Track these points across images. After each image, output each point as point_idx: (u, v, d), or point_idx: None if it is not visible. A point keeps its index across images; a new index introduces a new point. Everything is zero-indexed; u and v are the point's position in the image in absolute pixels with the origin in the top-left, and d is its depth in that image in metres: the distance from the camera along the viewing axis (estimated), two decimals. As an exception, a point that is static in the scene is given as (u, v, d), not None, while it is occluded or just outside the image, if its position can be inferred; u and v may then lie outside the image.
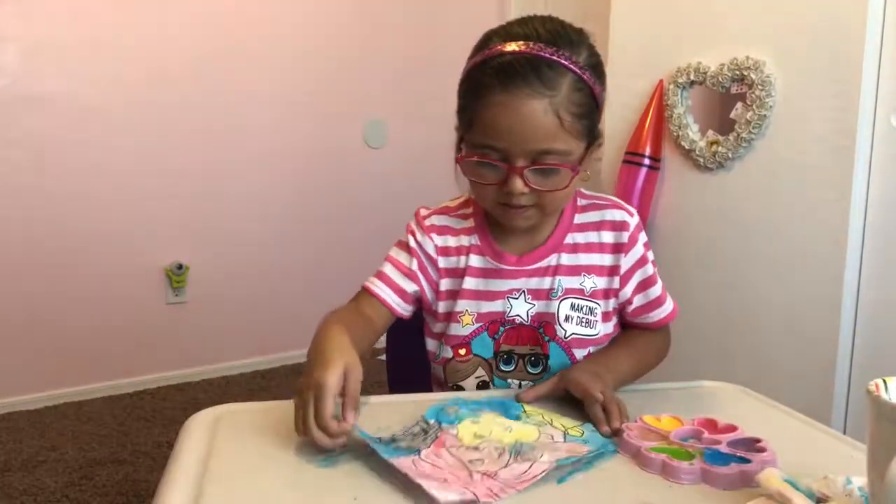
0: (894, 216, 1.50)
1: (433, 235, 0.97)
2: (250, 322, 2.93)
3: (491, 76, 0.83)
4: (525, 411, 0.82)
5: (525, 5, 3.14)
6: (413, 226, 0.99)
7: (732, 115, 1.75)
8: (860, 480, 0.59)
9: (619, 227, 0.95)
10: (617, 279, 0.95)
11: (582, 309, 0.94)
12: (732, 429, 0.75)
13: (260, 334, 2.95)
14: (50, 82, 2.47)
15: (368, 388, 0.79)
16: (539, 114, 0.82)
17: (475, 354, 0.96)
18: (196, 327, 2.82)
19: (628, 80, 1.98)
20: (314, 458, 0.69)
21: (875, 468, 0.52)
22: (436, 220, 0.99)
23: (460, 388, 0.97)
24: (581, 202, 0.98)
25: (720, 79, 1.76)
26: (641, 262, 0.96)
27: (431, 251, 0.97)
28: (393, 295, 0.95)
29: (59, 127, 2.50)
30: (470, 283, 0.95)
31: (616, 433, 0.76)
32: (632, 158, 1.94)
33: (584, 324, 0.94)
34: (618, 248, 0.95)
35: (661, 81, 1.92)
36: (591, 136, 0.88)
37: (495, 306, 0.95)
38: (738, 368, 1.75)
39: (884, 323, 1.52)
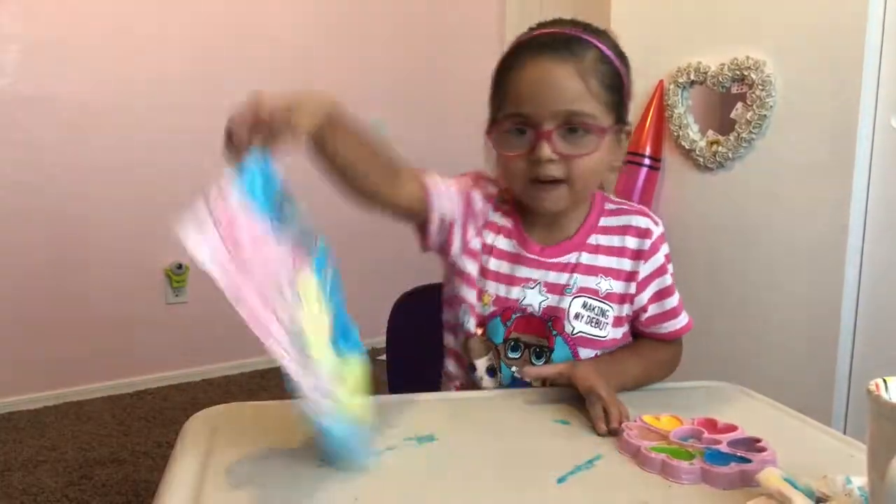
0: (894, 216, 1.50)
1: (484, 201, 0.99)
2: (250, 322, 2.92)
3: (521, 53, 0.90)
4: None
5: (522, 7, 3.14)
6: (475, 178, 1.00)
7: (733, 114, 1.75)
8: (860, 480, 0.59)
9: (643, 234, 0.96)
10: (634, 285, 0.95)
11: (593, 309, 0.94)
12: (732, 428, 0.75)
13: (260, 334, 2.94)
14: (50, 82, 2.47)
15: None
16: (565, 77, 0.87)
17: (488, 337, 0.96)
18: (196, 327, 2.81)
19: (628, 80, 1.98)
20: (314, 458, 0.69)
21: (875, 468, 0.52)
22: (491, 188, 1.00)
23: (473, 368, 0.97)
24: (609, 206, 0.99)
25: (720, 79, 1.76)
26: (660, 271, 0.97)
27: (479, 208, 0.98)
28: (441, 187, 0.94)
29: (59, 127, 2.50)
30: (493, 263, 0.96)
31: (613, 434, 0.76)
32: (632, 158, 1.94)
33: (593, 324, 0.94)
34: (638, 255, 0.96)
35: (661, 81, 1.92)
36: (618, 113, 0.91)
37: (512, 293, 0.95)
38: (738, 368, 1.75)
39: (884, 323, 1.52)
